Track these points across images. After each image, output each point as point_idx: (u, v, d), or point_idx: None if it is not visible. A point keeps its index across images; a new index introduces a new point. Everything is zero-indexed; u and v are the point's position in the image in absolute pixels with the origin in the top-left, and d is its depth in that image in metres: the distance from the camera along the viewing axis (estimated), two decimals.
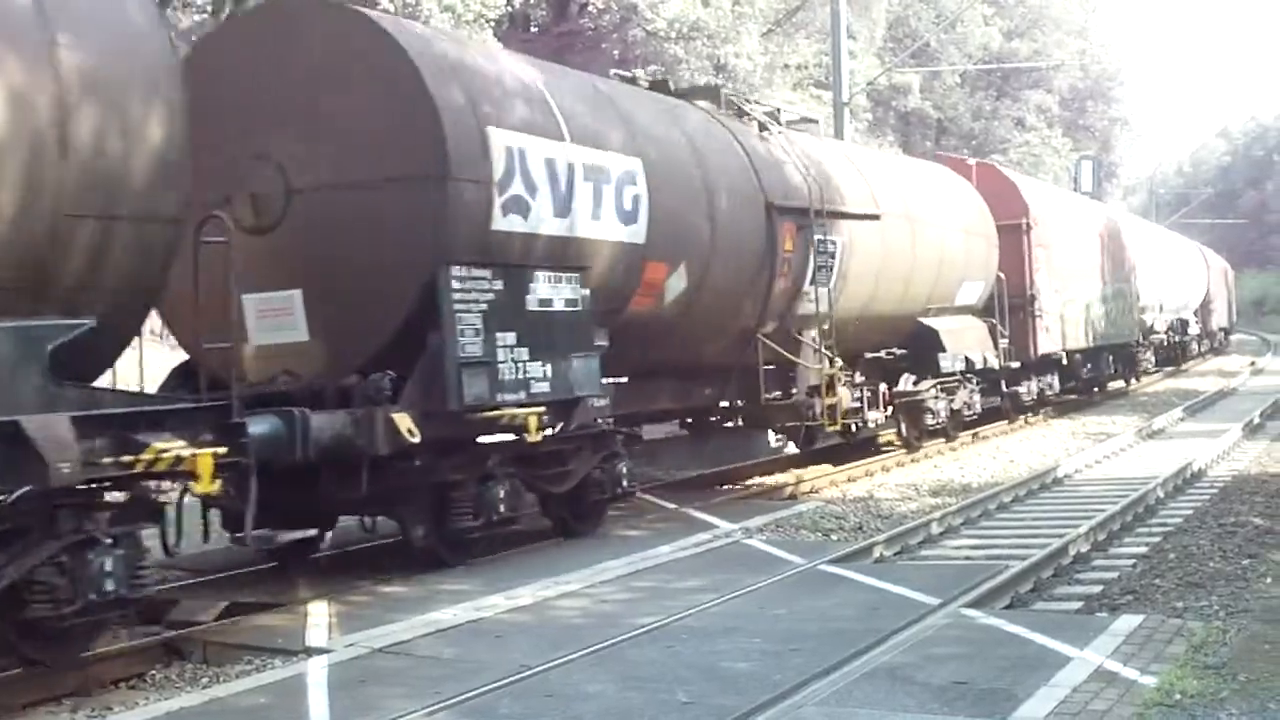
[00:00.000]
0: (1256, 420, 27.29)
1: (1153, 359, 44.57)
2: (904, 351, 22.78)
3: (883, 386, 21.49)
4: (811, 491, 18.79)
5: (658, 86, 18.49)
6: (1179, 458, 20.32)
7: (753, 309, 17.92)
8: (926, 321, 23.11)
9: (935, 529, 15.29)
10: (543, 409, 13.18)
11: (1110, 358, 35.96)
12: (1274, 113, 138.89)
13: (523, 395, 12.98)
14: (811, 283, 18.75)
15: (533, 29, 34.80)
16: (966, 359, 23.92)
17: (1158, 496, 17.10)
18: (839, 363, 19.17)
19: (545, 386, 13.26)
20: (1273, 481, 18.15)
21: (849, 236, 19.86)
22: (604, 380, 14.52)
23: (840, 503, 17.69)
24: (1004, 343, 25.99)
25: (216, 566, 13.73)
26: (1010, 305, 26.62)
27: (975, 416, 25.30)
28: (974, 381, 24.73)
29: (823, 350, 18.96)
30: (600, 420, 14.63)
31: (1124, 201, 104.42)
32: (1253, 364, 51.58)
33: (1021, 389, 28.15)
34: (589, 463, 14.63)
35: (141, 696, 9.49)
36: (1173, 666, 8.46)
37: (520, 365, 12.94)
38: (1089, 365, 33.32)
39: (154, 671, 10.04)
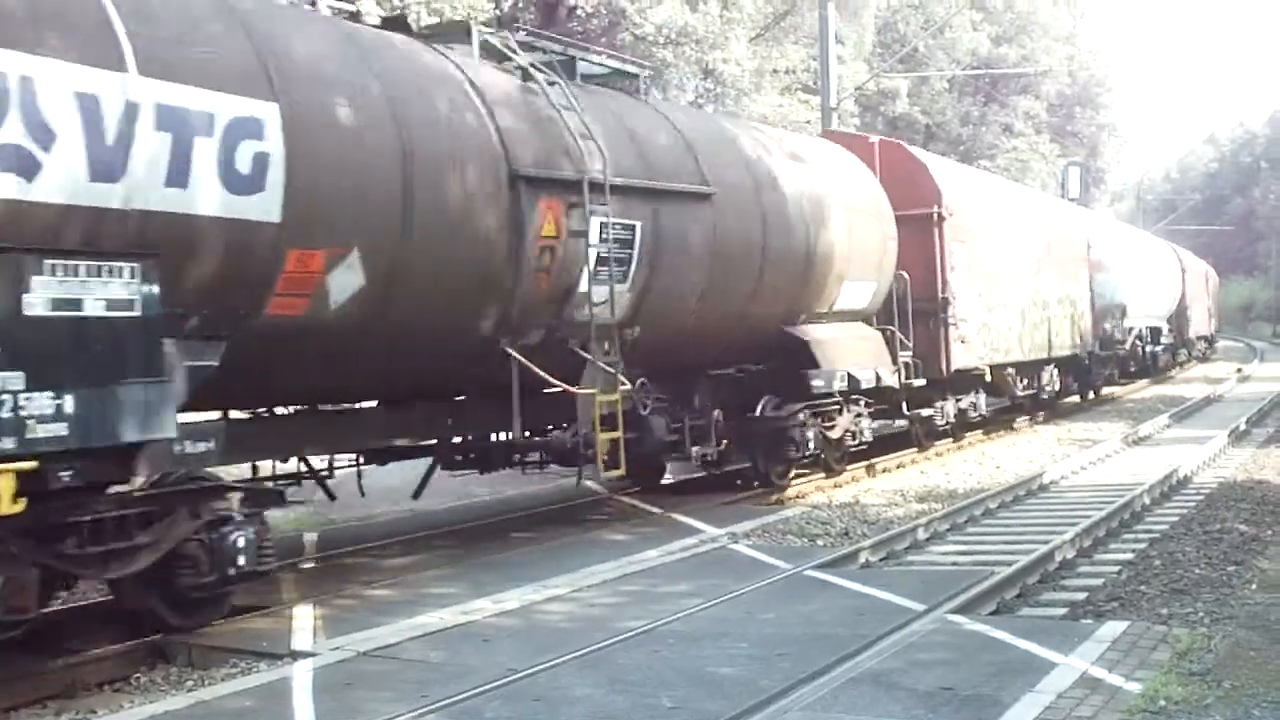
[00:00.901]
0: (1243, 427, 27.36)
1: (1115, 372, 40.20)
2: (761, 367, 18.82)
3: (717, 414, 17.67)
4: (798, 497, 18.78)
5: (393, 23, 14.31)
6: (1165, 464, 20.36)
7: (496, 314, 13.62)
8: (794, 331, 18.98)
9: (921, 534, 15.32)
10: (33, 464, 8.84)
11: (1055, 372, 31.04)
12: (1262, 119, 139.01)
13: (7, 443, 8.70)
14: (595, 280, 14.52)
15: (521, 33, 34.73)
16: (850, 376, 19.72)
17: (1144, 503, 17.13)
18: (625, 385, 14.90)
19: (60, 428, 8.99)
20: (1259, 488, 18.19)
21: (660, 220, 15.63)
22: (207, 416, 11.62)
23: (826, 508, 17.70)
24: (906, 356, 22.21)
25: None
26: (916, 311, 22.71)
27: (863, 445, 21.37)
28: (862, 403, 20.96)
29: (606, 369, 14.71)
30: (199, 473, 10.88)
31: (1111, 208, 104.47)
32: (1239, 370, 51.65)
33: (933, 411, 24.21)
34: (178, 533, 10.62)
35: (126, 699, 9.50)
36: (1158, 673, 8.49)
37: (9, 399, 8.69)
38: (1026, 381, 29.04)
39: (139, 675, 10.05)
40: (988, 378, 25.77)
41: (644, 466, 17.67)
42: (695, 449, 17.24)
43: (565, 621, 11.00)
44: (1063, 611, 11.38)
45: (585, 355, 14.55)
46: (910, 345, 22.41)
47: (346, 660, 9.79)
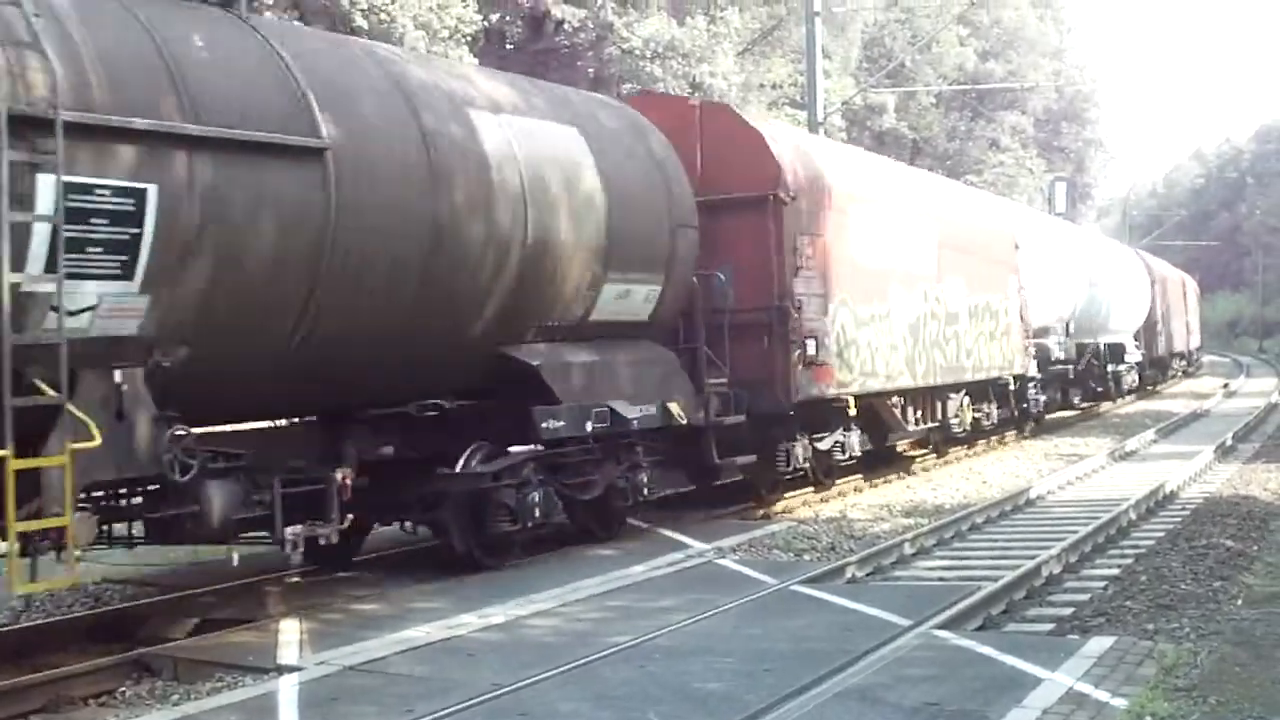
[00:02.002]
0: (1229, 442, 27.40)
1: (1058, 397, 34.69)
2: (465, 405, 13.90)
3: (341, 475, 12.11)
4: (784, 512, 18.77)
5: None
6: (1151, 480, 20.41)
7: None
8: (514, 353, 14.06)
9: (908, 549, 15.31)
10: None
11: (965, 400, 25.24)
12: (1248, 135, 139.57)
13: None
14: (54, 269, 9.46)
15: (508, 46, 34.83)
16: (613, 414, 15.02)
17: (1130, 518, 17.14)
18: (93, 440, 9.62)
19: None
20: (1244, 504, 18.22)
21: (212, 184, 10.51)
22: None
23: (813, 523, 17.69)
24: (720, 384, 17.26)
25: (188, 583, 13.68)
26: (744, 324, 17.69)
27: (631, 504, 16.12)
28: (640, 451, 15.97)
29: (78, 414, 9.68)
30: None
31: (1098, 223, 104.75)
32: (1225, 386, 51.77)
33: (779, 454, 18.52)
34: None
35: (111, 713, 9.49)
36: (1144, 688, 8.49)
37: None
38: (922, 412, 23.41)
39: (124, 689, 10.03)
40: (852, 408, 19.64)
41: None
42: (292, 530, 11.52)
43: (551, 636, 10.98)
44: (1049, 627, 11.38)
45: (49, 393, 9.53)
46: (726, 369, 17.41)
47: (332, 675, 9.76)
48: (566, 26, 33.22)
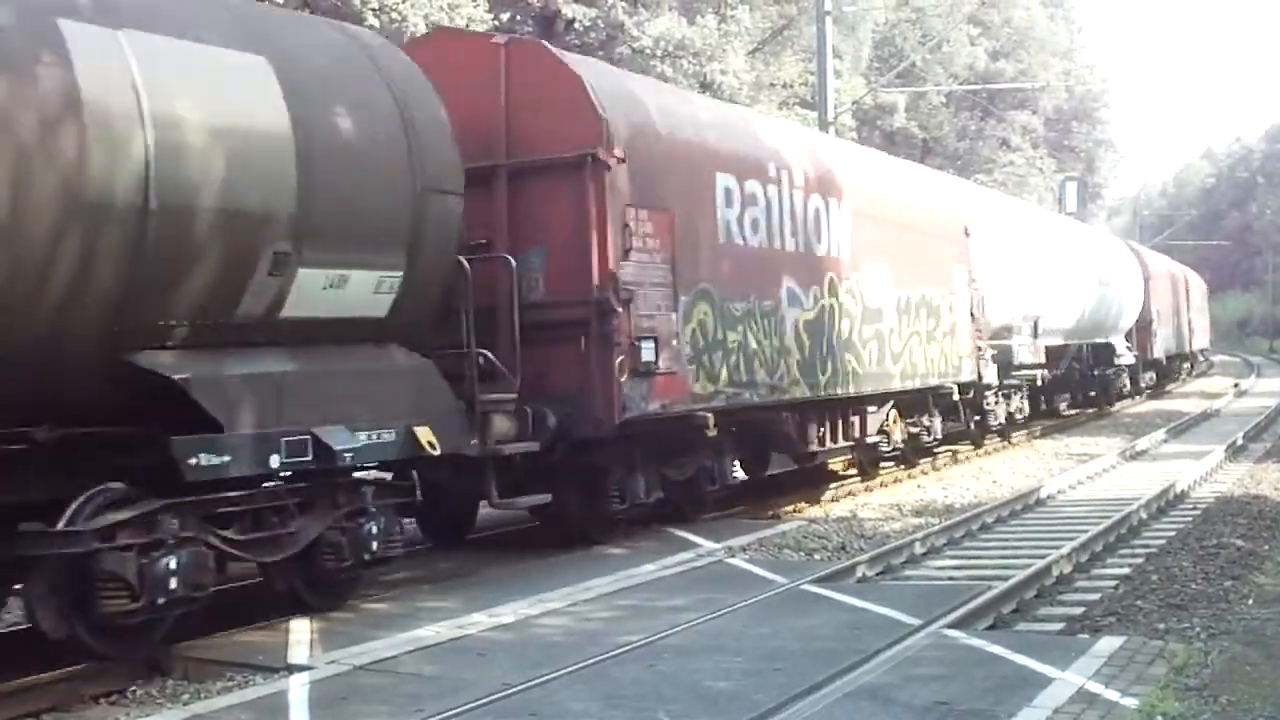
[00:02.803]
0: (1240, 442, 27.35)
1: (1026, 406, 29.98)
2: (92, 432, 10.17)
3: None
4: (795, 511, 18.77)
5: None
6: (1162, 479, 20.37)
7: None
8: (146, 361, 10.19)
9: (918, 549, 15.30)
10: None
11: (892, 413, 21.65)
12: (1258, 134, 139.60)
13: None
14: None
15: None
16: (315, 443, 11.20)
17: (1140, 518, 17.12)
18: None
19: None
20: (1255, 503, 18.19)
21: None
22: None
23: (823, 522, 17.68)
24: (503, 399, 13.63)
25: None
26: (555, 322, 14.51)
27: (350, 564, 11.89)
28: (369, 496, 12.12)
29: None
30: None
31: (1108, 222, 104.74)
32: (1236, 385, 51.71)
33: (613, 490, 15.40)
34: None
35: (122, 712, 9.49)
36: (1154, 688, 8.49)
37: None
38: (824, 430, 19.49)
39: (135, 688, 10.01)
40: (711, 429, 15.89)
41: None
42: None
43: (561, 636, 10.98)
44: (1059, 626, 11.37)
45: None
46: (516, 380, 13.80)
47: (342, 674, 9.77)
48: (577, 25, 33.20)
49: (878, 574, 14.05)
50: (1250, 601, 11.74)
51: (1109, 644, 9.92)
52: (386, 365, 12.27)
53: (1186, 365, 58.50)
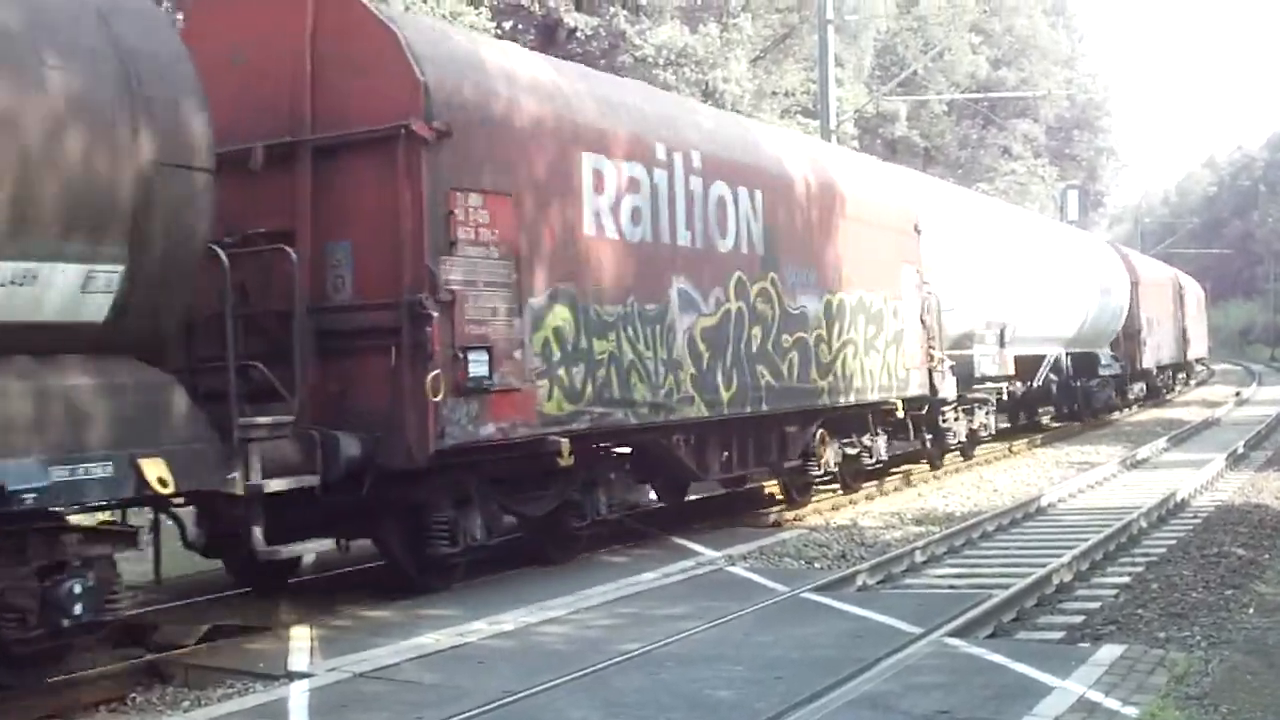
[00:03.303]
0: (1240, 450, 27.36)
1: (989, 424, 27.15)
2: None
3: None
4: (795, 519, 18.76)
5: None
6: (1163, 488, 20.37)
7: None
8: None
9: (919, 557, 15.29)
10: None
11: (820, 433, 19.12)
12: (1260, 143, 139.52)
13: None
14: None
15: None
16: None
17: (1141, 526, 17.11)
18: None
19: None
20: (1256, 512, 18.19)
21: None
22: None
23: (824, 530, 17.67)
24: (274, 423, 11.27)
25: (198, 590, 13.70)
26: (356, 329, 12.38)
27: (38, 635, 9.55)
28: (66, 544, 9.75)
29: None
30: None
31: (1110, 231, 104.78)
32: (1237, 394, 51.69)
33: (440, 536, 12.93)
34: None
35: (122, 719, 9.48)
36: (1155, 697, 8.48)
37: None
38: (736, 452, 17.45)
39: (135, 695, 10.03)
40: (565, 457, 13.32)
41: None
42: None
43: (562, 644, 10.98)
44: (1060, 635, 11.37)
45: None
46: (294, 399, 11.52)
47: (342, 681, 9.78)
48: (579, 35, 33.22)
49: (878, 582, 14.04)
50: (1251, 610, 11.74)
51: (1109, 653, 9.91)
52: (101, 382, 9.65)
53: (1181, 376, 55.98)
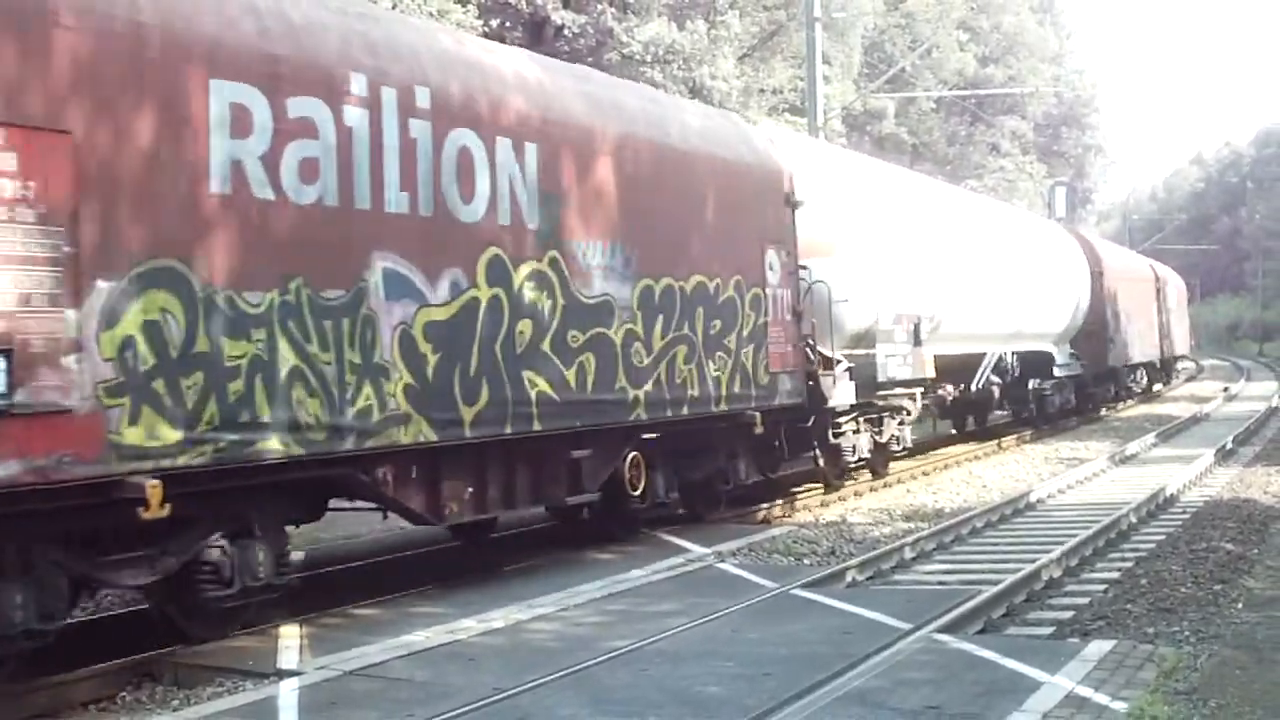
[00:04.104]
0: (1229, 445, 27.39)
1: (902, 436, 22.68)
2: None
3: None
4: (784, 516, 18.76)
5: None
6: (1152, 483, 20.40)
7: None
8: None
9: (908, 554, 15.30)
10: None
11: (628, 460, 15.48)
12: (1248, 139, 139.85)
13: None
14: None
15: None
16: None
17: (1130, 522, 17.13)
18: None
19: None
20: (1245, 507, 18.21)
21: None
22: None
23: (813, 527, 17.67)
24: None
25: None
26: None
27: None
28: None
29: None
30: None
31: (1098, 227, 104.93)
32: (1226, 390, 51.77)
33: None
34: None
35: (112, 718, 9.49)
36: (1144, 692, 8.49)
37: None
38: (469, 487, 13.24)
39: (124, 694, 10.03)
40: (155, 508, 9.45)
41: None
42: None
43: (551, 641, 10.98)
44: (1049, 630, 11.38)
45: None
46: None
47: (332, 679, 9.77)
48: (566, 32, 33.19)
49: (867, 579, 14.05)
50: (1240, 605, 11.75)
51: (1099, 648, 9.93)
52: None
53: (1158, 375, 50.97)
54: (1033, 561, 13.85)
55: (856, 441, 20.72)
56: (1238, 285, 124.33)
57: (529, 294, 13.39)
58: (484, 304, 12.81)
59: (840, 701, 8.59)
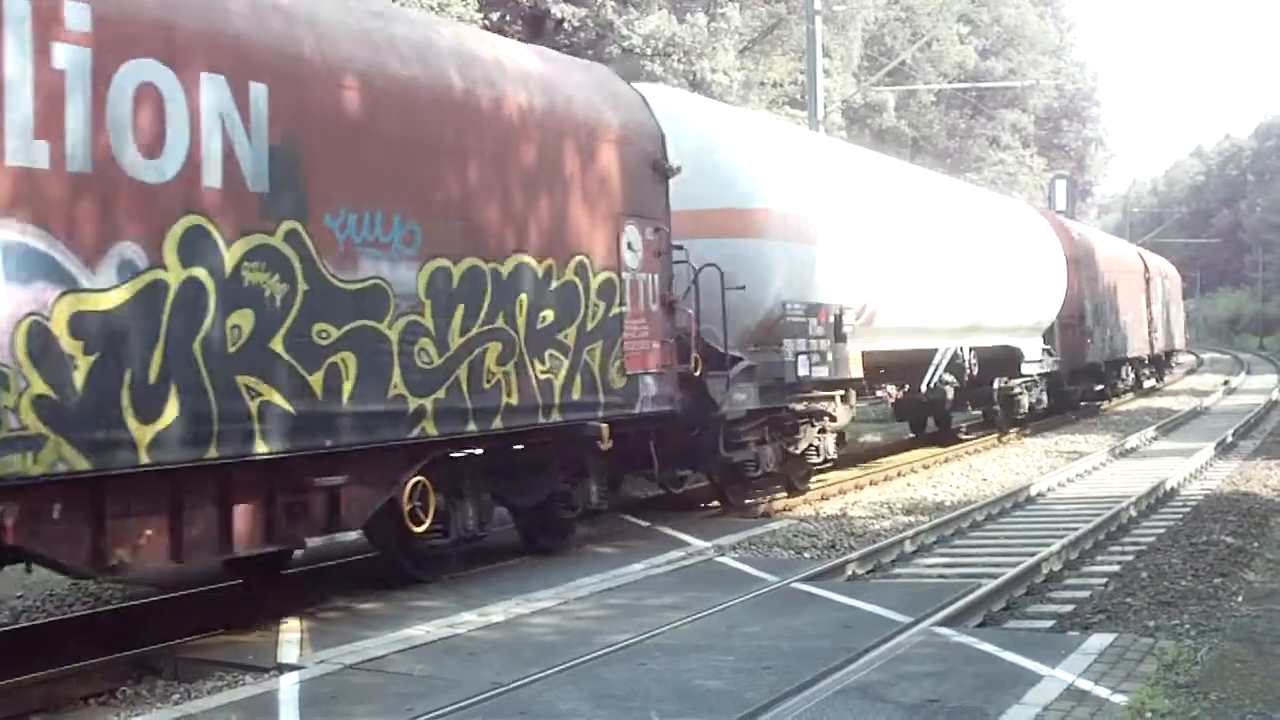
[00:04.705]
0: (1229, 439, 27.40)
1: (825, 447, 19.52)
2: None
3: None
4: (785, 509, 18.74)
5: None
6: (1152, 476, 20.40)
7: None
8: None
9: (908, 547, 15.30)
10: None
11: (408, 489, 12.23)
12: (1248, 131, 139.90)
13: None
14: None
15: None
16: None
17: (1131, 515, 17.14)
18: None
19: None
20: (1245, 500, 18.21)
21: None
22: None
23: (813, 520, 17.66)
24: None
25: (189, 582, 13.67)
26: None
27: None
28: None
29: None
30: None
31: (1098, 220, 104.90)
32: (1226, 383, 51.77)
33: None
34: None
35: (112, 713, 9.49)
36: (1144, 685, 8.49)
37: None
38: (149, 529, 9.84)
39: (124, 688, 10.03)
40: None
41: None
42: None
43: (551, 635, 10.98)
44: (1050, 624, 11.38)
45: None
46: None
47: (332, 673, 9.76)
48: (566, 25, 33.15)
49: (868, 572, 14.05)
50: (1240, 598, 11.75)
51: (1099, 641, 9.93)
52: None
53: (1148, 372, 47.33)
54: (1033, 555, 13.85)
55: (760, 453, 17.86)
56: (1238, 278, 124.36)
57: (251, 277, 10.33)
58: (174, 290, 9.72)
59: (840, 695, 8.59)
